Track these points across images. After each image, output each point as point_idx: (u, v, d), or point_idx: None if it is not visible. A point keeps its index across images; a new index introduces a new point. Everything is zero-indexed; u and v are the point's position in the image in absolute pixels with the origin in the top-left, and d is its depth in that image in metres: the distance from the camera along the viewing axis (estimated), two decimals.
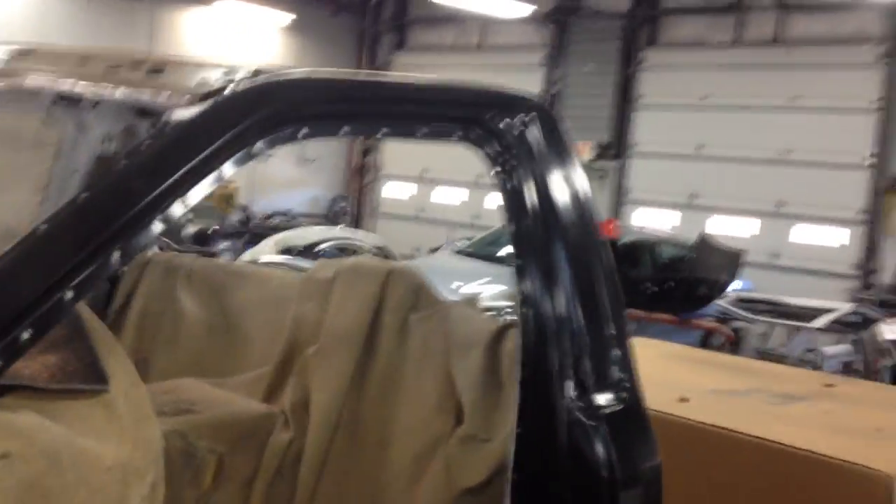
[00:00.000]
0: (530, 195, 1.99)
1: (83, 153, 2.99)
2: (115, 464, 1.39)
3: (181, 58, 1.73)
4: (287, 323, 2.64)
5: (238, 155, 1.53)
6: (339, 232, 10.60)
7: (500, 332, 2.25)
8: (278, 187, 14.55)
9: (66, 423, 1.37)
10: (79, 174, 3.05)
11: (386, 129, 1.81)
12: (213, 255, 9.00)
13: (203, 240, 12.52)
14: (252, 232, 12.49)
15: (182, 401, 2.41)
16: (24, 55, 1.89)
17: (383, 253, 9.93)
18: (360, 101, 1.80)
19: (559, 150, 2.05)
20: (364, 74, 1.95)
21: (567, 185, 2.05)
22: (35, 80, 1.73)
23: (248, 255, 9.62)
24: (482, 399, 2.23)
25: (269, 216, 13.93)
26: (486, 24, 15.27)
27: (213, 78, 1.56)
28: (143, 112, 3.06)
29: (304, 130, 1.65)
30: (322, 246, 9.75)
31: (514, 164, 1.97)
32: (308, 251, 9.48)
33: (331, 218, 14.93)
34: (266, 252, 9.44)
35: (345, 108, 1.76)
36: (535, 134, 2.00)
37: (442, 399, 2.33)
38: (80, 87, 2.73)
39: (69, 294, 1.33)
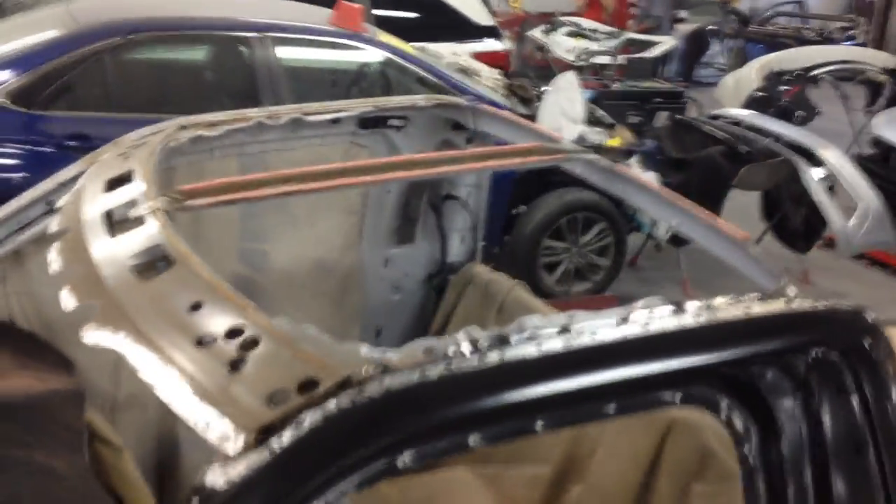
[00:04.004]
0: None
1: None
2: None
3: None
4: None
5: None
6: (843, 52, 9.02)
7: None
8: None
9: None
10: (393, 193, 2.88)
11: None
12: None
13: (701, 39, 11.68)
14: (747, 37, 11.22)
15: None
16: None
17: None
18: None
19: None
20: None
21: None
22: None
23: (730, 80, 8.76)
24: None
25: (772, 15, 12.32)
26: None
27: None
28: (459, 126, 2.75)
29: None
30: (820, 71, 8.42)
31: None
32: (802, 77, 8.29)
33: (854, 8, 12.74)
34: (750, 78, 8.47)
35: None
36: None
37: None
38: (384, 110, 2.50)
39: None
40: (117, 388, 2.60)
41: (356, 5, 5.59)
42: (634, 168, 5.64)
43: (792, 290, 1.56)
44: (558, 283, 5.52)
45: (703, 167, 6.04)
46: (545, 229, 5.36)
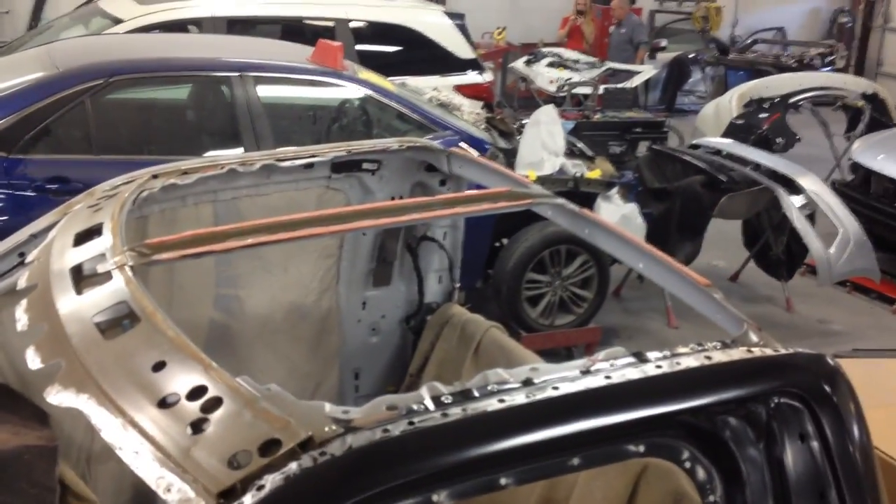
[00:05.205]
0: None
1: None
2: None
3: None
4: None
5: None
6: (822, 79, 9.11)
7: None
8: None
9: None
10: (369, 236, 2.88)
11: None
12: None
13: (682, 67, 11.77)
14: (728, 66, 11.31)
15: None
16: None
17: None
18: None
19: None
20: None
21: None
22: None
23: (710, 109, 8.83)
24: None
25: (752, 42, 12.45)
26: None
27: None
28: (432, 168, 2.77)
29: None
30: (799, 98, 8.48)
31: None
32: (781, 104, 8.34)
33: (834, 34, 12.88)
34: (729, 107, 8.54)
35: None
36: None
37: None
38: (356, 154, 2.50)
39: None
40: (93, 440, 2.59)
41: (335, 43, 5.62)
42: (615, 199, 5.67)
43: (753, 337, 1.57)
44: (542, 316, 5.52)
45: (684, 197, 6.07)
46: (528, 262, 5.36)
